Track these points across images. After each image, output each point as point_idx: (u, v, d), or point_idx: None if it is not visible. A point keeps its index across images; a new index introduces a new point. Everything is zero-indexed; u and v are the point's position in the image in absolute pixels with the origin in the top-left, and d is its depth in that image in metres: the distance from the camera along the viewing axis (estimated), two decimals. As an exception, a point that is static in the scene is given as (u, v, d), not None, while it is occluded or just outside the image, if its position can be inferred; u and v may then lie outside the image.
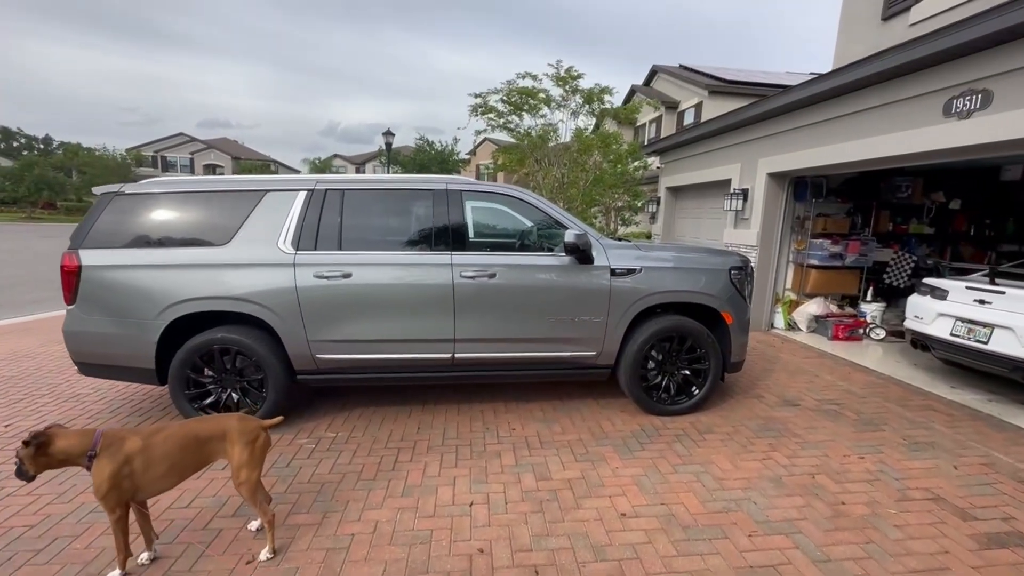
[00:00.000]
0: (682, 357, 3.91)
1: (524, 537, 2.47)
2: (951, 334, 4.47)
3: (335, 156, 48.85)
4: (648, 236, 11.33)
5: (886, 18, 6.12)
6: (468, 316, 3.63)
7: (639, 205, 11.69)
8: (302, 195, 3.63)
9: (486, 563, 2.30)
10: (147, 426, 2.43)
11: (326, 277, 3.50)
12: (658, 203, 10.27)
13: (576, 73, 9.30)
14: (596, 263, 3.71)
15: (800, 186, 6.67)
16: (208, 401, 3.58)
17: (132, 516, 2.21)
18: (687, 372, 3.94)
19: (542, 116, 10.14)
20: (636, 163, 11.80)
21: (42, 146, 51.58)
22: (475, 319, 3.65)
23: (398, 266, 3.59)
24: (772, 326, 7.01)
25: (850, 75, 4.74)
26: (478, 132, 9.95)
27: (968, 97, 3.96)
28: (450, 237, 3.65)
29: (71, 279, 3.43)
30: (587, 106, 9.65)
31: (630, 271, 3.74)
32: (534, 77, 9.52)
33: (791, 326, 6.88)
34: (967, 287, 4.44)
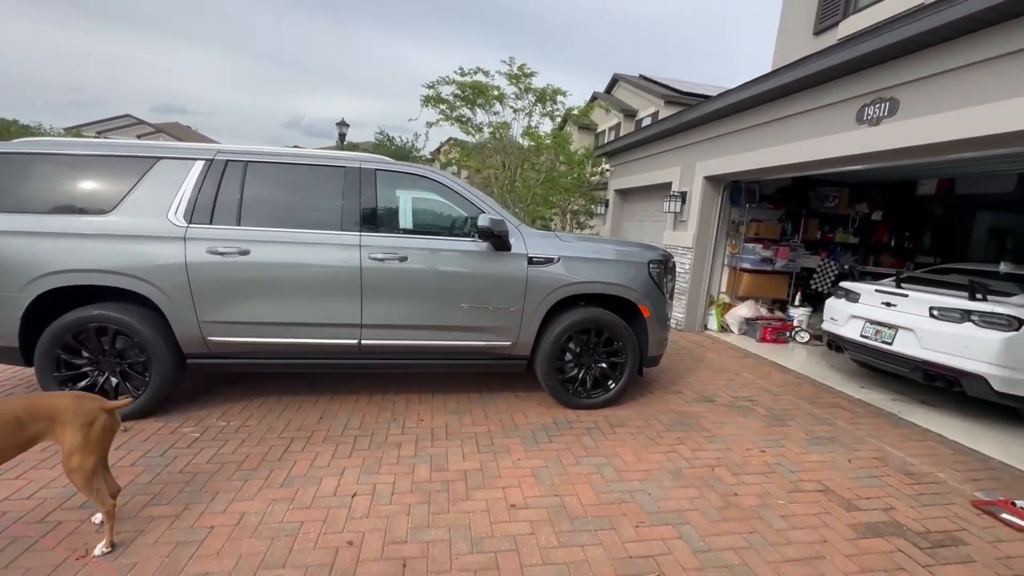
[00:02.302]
0: (599, 350, 3.85)
1: (401, 529, 2.32)
2: (861, 335, 4.62)
3: (294, 147, 47.26)
4: (596, 237, 11.40)
5: (817, 32, 6.36)
6: (376, 301, 3.46)
7: (594, 209, 11.79)
8: (199, 165, 3.37)
9: (352, 556, 2.13)
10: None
11: (221, 253, 3.25)
12: (606, 205, 10.35)
13: (528, 71, 9.27)
14: (513, 250, 3.61)
15: (736, 191, 6.83)
16: (82, 384, 3.25)
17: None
18: (604, 365, 3.89)
19: (495, 113, 10.04)
20: (594, 168, 11.90)
21: (-30, 120, 47.53)
22: (384, 304, 3.48)
23: (302, 244, 3.37)
24: (706, 327, 7.13)
25: (775, 81, 4.86)
26: (429, 124, 9.75)
27: (878, 105, 4.11)
28: (360, 217, 3.48)
29: (-80, 245, 3.05)
30: (539, 105, 9.61)
31: (548, 260, 3.67)
32: (486, 73, 9.42)
33: (724, 328, 7.01)
34: (876, 290, 4.61)
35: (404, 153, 24.93)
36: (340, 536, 2.26)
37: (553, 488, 2.74)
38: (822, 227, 7.46)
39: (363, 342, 3.51)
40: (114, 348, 3.27)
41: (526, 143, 10.48)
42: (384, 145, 24.17)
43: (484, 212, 3.60)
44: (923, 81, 3.78)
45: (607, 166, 10.88)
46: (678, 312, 7.06)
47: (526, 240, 3.67)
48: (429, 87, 9.50)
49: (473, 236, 3.60)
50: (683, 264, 6.96)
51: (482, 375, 4.43)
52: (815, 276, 7.30)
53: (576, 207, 13.59)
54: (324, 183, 3.53)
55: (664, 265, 4.00)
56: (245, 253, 3.29)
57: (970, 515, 2.68)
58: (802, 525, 2.51)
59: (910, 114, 3.87)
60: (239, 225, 3.33)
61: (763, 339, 6.49)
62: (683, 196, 6.99)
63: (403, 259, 3.46)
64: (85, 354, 3.25)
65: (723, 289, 7.24)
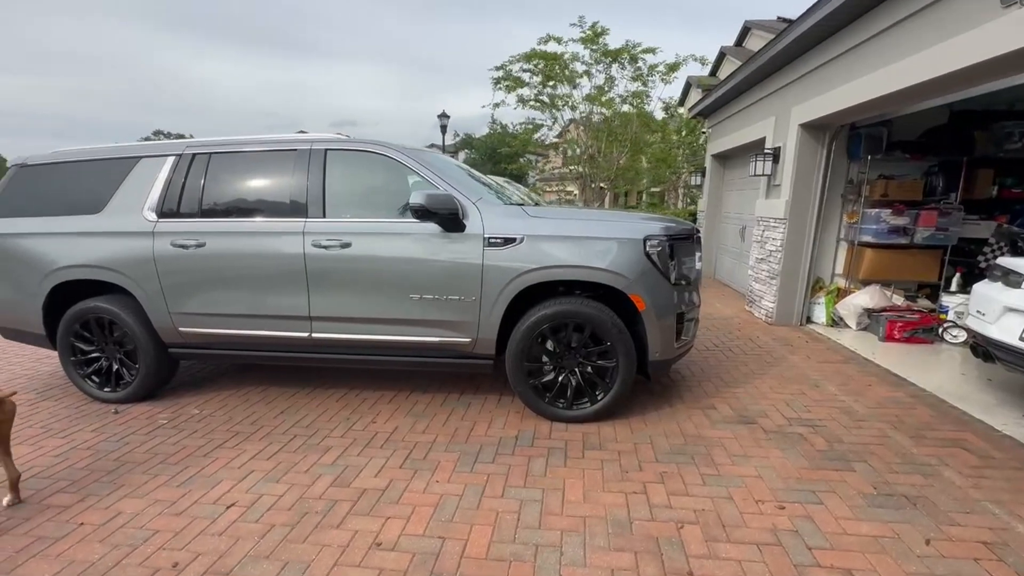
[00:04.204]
0: (583, 351, 3.10)
1: (237, 556, 2.02)
2: (1020, 338, 3.03)
3: (432, 145, 50.75)
4: (692, 215, 9.90)
5: None
6: (323, 291, 3.22)
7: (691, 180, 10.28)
8: (170, 160, 3.47)
9: (162, 582, 1.89)
10: None
11: (182, 246, 3.32)
12: (703, 175, 8.82)
13: (600, 29, 8.22)
14: (468, 231, 3.06)
15: (853, 141, 5.14)
16: (92, 369, 3.60)
17: None
18: (590, 370, 3.12)
19: (575, 85, 9.22)
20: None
21: (200, 149, 60.27)
22: (331, 294, 3.23)
23: (249, 234, 3.28)
24: (809, 320, 5.55)
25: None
26: (496, 105, 9.34)
27: (1037, -31, 2.53)
28: (307, 201, 3.25)
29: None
30: (614, 65, 8.51)
31: (508, 241, 3.03)
32: (558, 40, 8.63)
33: (835, 322, 5.39)
34: (1051, 269, 2.97)
35: (507, 140, 24.77)
36: (175, 554, 2.04)
37: (446, 526, 2.19)
38: (1001, 180, 5.21)
39: (314, 335, 3.31)
40: (112, 337, 3.55)
41: (615, 112, 9.45)
42: (496, 133, 24.45)
43: (436, 188, 3.11)
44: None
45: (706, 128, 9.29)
46: (767, 302, 5.62)
47: (484, 218, 3.07)
48: (498, 68, 9.08)
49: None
50: (774, 240, 5.49)
51: (478, 376, 3.94)
52: (987, 250, 5.16)
53: (688, 180, 12.11)
54: (278, 169, 3.38)
55: (671, 242, 3.04)
56: (202, 245, 3.30)
57: None
58: (768, 646, 1.58)
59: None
60: (200, 217, 3.36)
61: (888, 337, 4.80)
62: (775, 153, 5.49)
63: (346, 245, 3.15)
64: (93, 342, 3.59)
65: (839, 271, 5.57)
